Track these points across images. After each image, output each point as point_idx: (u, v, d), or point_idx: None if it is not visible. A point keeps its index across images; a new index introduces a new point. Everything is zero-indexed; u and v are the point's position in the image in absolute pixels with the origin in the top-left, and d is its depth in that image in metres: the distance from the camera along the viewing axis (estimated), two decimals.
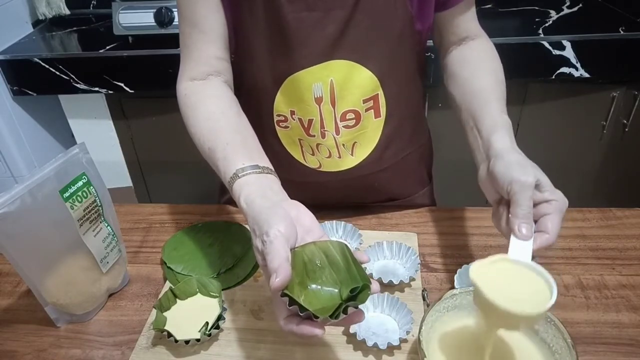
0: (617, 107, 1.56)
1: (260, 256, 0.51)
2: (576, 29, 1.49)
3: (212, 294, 0.69)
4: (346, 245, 0.51)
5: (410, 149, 0.85)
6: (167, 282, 0.73)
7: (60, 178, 0.61)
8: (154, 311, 0.66)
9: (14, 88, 1.54)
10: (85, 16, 1.83)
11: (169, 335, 0.62)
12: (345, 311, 0.46)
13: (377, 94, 0.74)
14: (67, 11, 1.77)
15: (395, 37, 0.71)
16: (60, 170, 0.61)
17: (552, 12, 1.64)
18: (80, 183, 0.63)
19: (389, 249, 0.75)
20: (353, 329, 0.62)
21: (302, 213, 0.54)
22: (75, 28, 1.75)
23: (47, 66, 1.50)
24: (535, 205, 0.56)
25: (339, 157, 0.77)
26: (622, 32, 1.45)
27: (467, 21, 0.76)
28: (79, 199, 0.63)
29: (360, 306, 0.47)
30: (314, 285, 0.50)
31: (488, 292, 0.48)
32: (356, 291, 0.48)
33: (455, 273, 0.69)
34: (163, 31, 1.50)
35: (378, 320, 0.66)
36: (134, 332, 0.66)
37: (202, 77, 0.71)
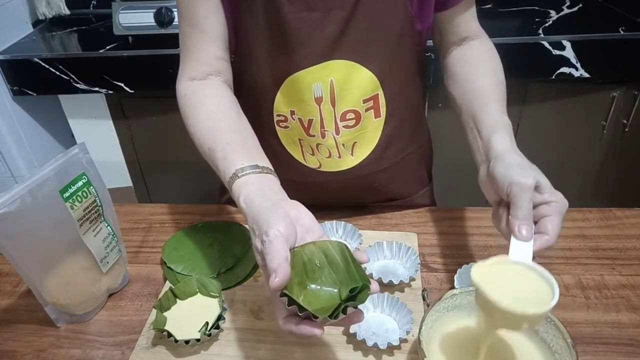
0: (617, 107, 1.56)
1: (259, 256, 0.51)
2: (576, 29, 1.49)
3: (212, 294, 0.69)
4: (345, 245, 0.51)
5: (410, 149, 0.85)
6: (167, 282, 0.73)
7: (60, 178, 0.61)
8: (154, 311, 0.66)
9: (14, 88, 1.54)
10: (85, 16, 1.83)
11: (169, 335, 0.62)
12: (344, 311, 0.46)
13: (377, 94, 0.74)
14: (67, 11, 1.77)
15: (395, 37, 0.71)
16: (60, 170, 0.61)
17: (552, 12, 1.64)
18: (80, 183, 0.63)
19: (389, 249, 0.75)
20: (353, 329, 0.62)
21: (301, 213, 0.54)
22: (75, 28, 1.75)
23: (47, 66, 1.50)
24: (535, 206, 0.56)
25: (339, 157, 0.77)
26: (622, 32, 1.45)
27: (467, 21, 0.76)
28: (79, 199, 0.63)
29: (359, 306, 0.47)
30: (313, 285, 0.50)
31: (490, 292, 0.48)
32: (355, 291, 0.48)
33: (455, 273, 0.69)
34: (163, 31, 1.50)
35: (378, 320, 0.66)
36: (134, 332, 0.66)
37: (202, 77, 0.71)
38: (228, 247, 0.77)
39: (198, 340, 0.61)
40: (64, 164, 0.62)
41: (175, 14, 1.46)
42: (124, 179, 1.77)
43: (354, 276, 0.49)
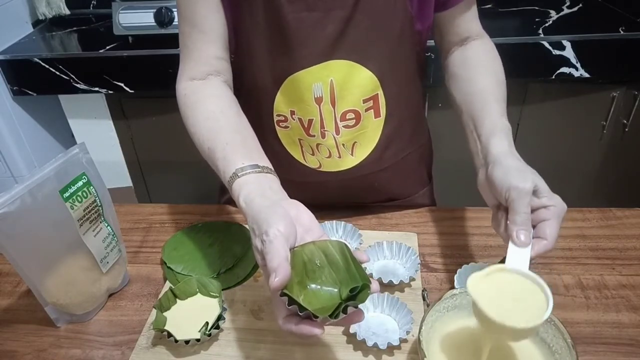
0: (617, 107, 1.56)
1: (259, 255, 0.51)
2: (576, 29, 1.49)
3: (212, 294, 0.69)
4: (345, 244, 0.51)
5: (410, 149, 0.85)
6: (167, 282, 0.73)
7: (60, 178, 0.61)
8: (154, 311, 0.66)
9: (14, 88, 1.54)
10: (85, 16, 1.83)
11: (169, 335, 0.62)
12: (344, 311, 0.46)
13: (377, 94, 0.74)
14: (67, 11, 1.77)
15: (395, 37, 0.71)
16: (60, 170, 0.61)
17: (552, 12, 1.64)
18: (80, 183, 0.63)
19: (389, 249, 0.75)
20: (353, 329, 0.62)
21: (301, 212, 0.54)
22: (75, 28, 1.75)
23: (47, 66, 1.50)
24: (533, 211, 0.56)
25: (339, 157, 0.77)
26: (622, 32, 1.45)
27: (468, 21, 0.76)
28: (79, 199, 0.63)
29: (360, 306, 0.47)
30: (313, 285, 0.50)
31: (485, 306, 0.49)
32: (356, 291, 0.48)
33: (455, 273, 0.69)
34: (163, 31, 1.50)
35: (378, 320, 0.66)
36: (134, 332, 0.66)
37: (202, 77, 0.71)
38: (228, 247, 0.77)
39: (198, 340, 0.61)
40: (64, 164, 0.62)
41: (175, 14, 1.47)
42: (124, 179, 1.77)
43: (354, 276, 0.49)
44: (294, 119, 0.75)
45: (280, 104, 0.75)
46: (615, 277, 0.72)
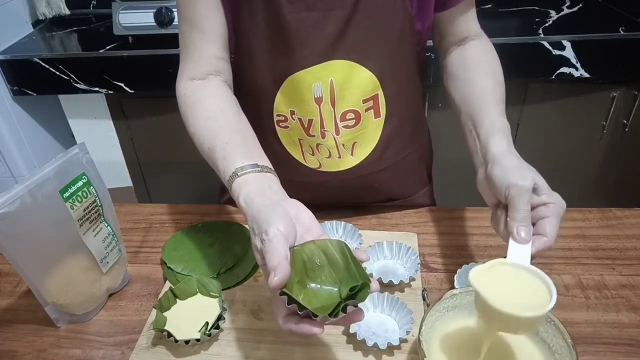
0: (617, 107, 1.56)
1: (259, 255, 0.51)
2: (576, 29, 1.49)
3: (212, 294, 0.69)
4: (345, 243, 0.51)
5: (410, 149, 0.85)
6: (167, 282, 0.73)
7: (60, 178, 0.61)
8: (154, 311, 0.66)
9: (14, 88, 1.54)
10: (85, 16, 1.83)
11: (169, 335, 0.62)
12: (344, 310, 0.46)
13: (377, 94, 0.74)
14: (67, 11, 1.77)
15: (395, 37, 0.71)
16: (60, 170, 0.61)
17: (552, 12, 1.64)
18: (80, 183, 0.63)
19: (389, 249, 0.75)
20: (353, 328, 0.62)
21: (301, 212, 0.54)
22: (75, 28, 1.75)
23: (47, 66, 1.50)
24: (533, 208, 0.56)
25: (339, 157, 0.77)
26: (622, 32, 1.45)
27: (467, 21, 0.76)
28: (79, 199, 0.63)
29: (360, 305, 0.47)
30: (313, 284, 0.50)
31: (489, 296, 0.49)
32: (355, 290, 0.48)
33: (455, 273, 0.69)
34: (163, 31, 1.50)
35: (378, 320, 0.66)
36: (134, 332, 0.66)
37: (202, 77, 0.71)
38: (228, 247, 0.77)
39: (198, 340, 0.61)
40: (64, 164, 0.62)
41: (175, 14, 1.47)
42: (124, 179, 1.77)
43: (353, 275, 0.49)
44: (294, 119, 0.75)
45: (280, 104, 0.75)
46: (615, 277, 0.72)
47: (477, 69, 0.74)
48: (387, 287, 0.69)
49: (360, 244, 0.77)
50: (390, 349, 0.61)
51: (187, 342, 0.61)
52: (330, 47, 0.69)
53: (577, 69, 1.46)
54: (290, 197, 0.57)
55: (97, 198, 0.66)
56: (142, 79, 1.53)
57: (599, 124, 1.61)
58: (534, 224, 0.56)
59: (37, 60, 1.49)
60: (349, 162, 0.78)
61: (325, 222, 0.80)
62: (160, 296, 0.68)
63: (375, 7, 0.68)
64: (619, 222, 0.82)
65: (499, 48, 0.77)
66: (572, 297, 0.69)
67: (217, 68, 0.71)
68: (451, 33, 0.77)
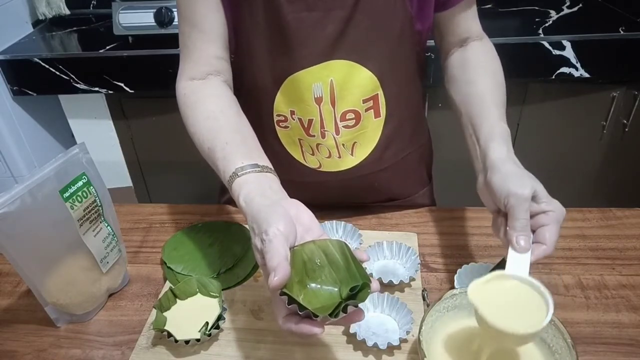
0: (617, 107, 1.56)
1: (259, 255, 0.51)
2: (576, 29, 1.49)
3: (212, 294, 0.69)
4: (345, 243, 0.51)
5: (410, 149, 0.85)
6: (167, 282, 0.73)
7: (60, 178, 0.61)
8: (154, 311, 0.66)
9: (14, 88, 1.54)
10: (85, 16, 1.83)
11: (169, 335, 0.62)
12: (344, 310, 0.46)
13: (377, 94, 0.74)
14: (67, 11, 1.77)
15: (395, 37, 0.71)
16: (60, 170, 0.61)
17: (552, 12, 1.64)
18: (80, 183, 0.63)
19: (389, 249, 0.75)
20: (353, 328, 0.62)
21: (301, 212, 0.54)
22: (75, 28, 1.75)
23: (47, 66, 1.50)
24: (532, 216, 0.56)
25: (339, 157, 0.77)
26: (622, 32, 1.45)
27: (468, 21, 0.76)
28: (79, 199, 0.63)
29: (360, 305, 0.47)
30: (313, 284, 0.50)
31: (486, 313, 0.50)
32: (356, 290, 0.48)
33: (455, 273, 0.69)
34: (163, 31, 1.50)
35: (378, 320, 0.66)
36: (134, 332, 0.66)
37: (202, 77, 0.71)
38: (228, 247, 0.77)
39: (198, 340, 0.61)
40: (64, 164, 0.62)
41: (175, 14, 1.46)
42: (124, 179, 1.77)
43: (354, 275, 0.49)
44: (294, 119, 0.75)
45: (280, 104, 0.75)
46: (615, 277, 0.72)
47: (477, 70, 0.74)
48: (387, 287, 0.69)
49: (360, 244, 0.77)
50: (390, 349, 0.61)
51: (187, 342, 0.61)
52: (330, 47, 0.69)
53: (577, 69, 1.46)
54: (291, 197, 0.57)
55: (97, 198, 0.66)
56: (142, 79, 1.53)
57: (599, 124, 1.61)
58: (533, 232, 0.56)
59: (37, 60, 1.49)
60: (349, 162, 0.78)
61: (325, 222, 0.80)
62: (160, 296, 0.68)
63: (375, 7, 0.68)
64: (619, 222, 0.82)
65: (499, 48, 0.77)
66: (572, 297, 0.69)
67: (217, 68, 0.71)
68: (452, 33, 0.77)
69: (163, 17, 1.49)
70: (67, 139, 1.77)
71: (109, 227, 0.69)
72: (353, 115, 0.74)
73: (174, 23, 1.50)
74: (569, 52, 1.44)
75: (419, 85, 0.82)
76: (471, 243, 0.79)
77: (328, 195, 0.83)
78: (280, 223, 0.50)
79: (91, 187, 0.65)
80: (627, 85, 1.53)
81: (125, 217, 0.87)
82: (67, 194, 0.61)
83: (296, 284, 0.49)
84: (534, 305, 0.51)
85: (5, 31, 1.59)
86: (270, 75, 0.73)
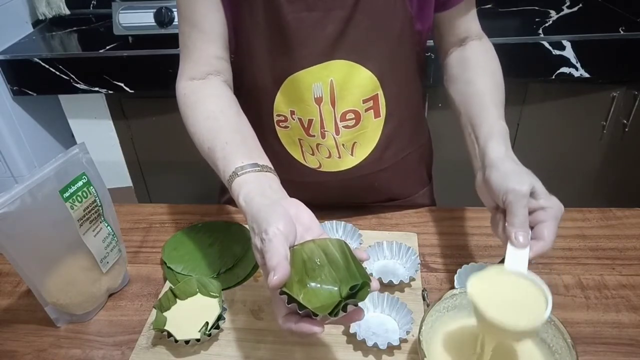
0: (617, 107, 1.56)
1: (259, 254, 0.51)
2: (576, 29, 1.49)
3: (212, 294, 0.69)
4: (345, 243, 0.51)
5: (410, 149, 0.85)
6: (167, 282, 0.73)
7: (60, 178, 0.61)
8: (154, 311, 0.66)
9: (14, 88, 1.54)
10: (85, 16, 1.83)
11: (169, 335, 0.62)
12: (344, 309, 0.46)
13: (377, 94, 0.74)
14: (67, 11, 1.77)
15: (395, 37, 0.71)
16: (60, 170, 0.61)
17: (552, 12, 1.64)
18: (80, 183, 0.63)
19: (389, 249, 0.75)
20: (353, 328, 0.62)
21: (301, 211, 0.54)
22: (75, 28, 1.75)
23: (47, 66, 1.50)
24: (530, 212, 0.56)
25: (339, 157, 0.77)
26: (622, 32, 1.45)
27: (467, 22, 0.76)
28: (79, 199, 0.63)
29: (360, 305, 0.47)
30: (313, 284, 0.50)
31: (486, 309, 0.50)
32: (356, 289, 0.48)
33: (455, 273, 0.69)
34: (163, 31, 1.50)
35: (378, 320, 0.66)
36: (134, 332, 0.66)
37: (202, 77, 0.71)
38: (228, 247, 0.77)
39: (198, 340, 0.61)
40: (64, 164, 0.62)
41: (175, 14, 1.46)
42: (124, 179, 1.77)
43: (354, 274, 0.49)
44: (294, 119, 0.75)
45: (280, 104, 0.75)
46: (615, 277, 0.72)
47: (476, 70, 0.74)
48: (387, 287, 0.69)
49: (360, 244, 0.77)
50: (390, 349, 0.61)
51: (187, 342, 0.61)
52: (330, 47, 0.69)
53: (577, 69, 1.46)
54: (291, 197, 0.57)
55: (97, 198, 0.66)
56: (142, 79, 1.53)
57: (599, 124, 1.61)
58: (532, 228, 0.56)
59: (37, 60, 1.49)
60: (349, 162, 0.78)
61: (325, 222, 0.80)
62: (160, 296, 0.68)
63: (375, 7, 0.68)
64: (619, 222, 0.82)
65: (499, 48, 0.77)
66: (572, 297, 0.69)
67: (217, 68, 0.71)
68: (451, 33, 0.77)
69: (163, 17, 1.49)
70: (67, 139, 1.77)
71: (109, 227, 0.69)
72: (353, 116, 0.74)
73: (174, 23, 1.50)
74: (569, 52, 1.44)
75: (419, 85, 0.82)
76: (471, 243, 0.79)
77: (328, 195, 0.83)
78: (280, 222, 0.50)
79: (91, 187, 0.65)
80: (627, 85, 1.53)
81: (125, 217, 0.87)
82: (67, 194, 0.61)
83: (296, 283, 0.49)
84: (533, 301, 0.50)
85: (5, 31, 1.59)
86: (270, 75, 0.73)
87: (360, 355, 0.61)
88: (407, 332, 0.61)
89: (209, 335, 0.63)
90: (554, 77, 1.48)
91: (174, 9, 1.48)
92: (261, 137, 0.67)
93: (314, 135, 0.75)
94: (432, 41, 0.82)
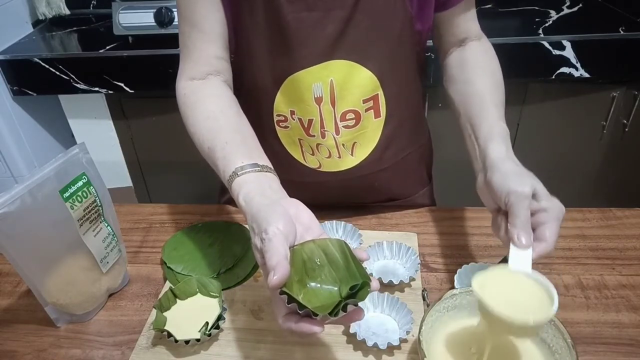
0: (617, 107, 1.56)
1: (259, 254, 0.51)
2: (576, 29, 1.49)
3: (212, 294, 0.69)
4: (345, 242, 0.51)
5: (410, 149, 0.85)
6: (167, 282, 0.73)
7: (60, 178, 0.61)
8: (154, 311, 0.66)
9: (14, 88, 1.54)
10: (85, 16, 1.83)
11: (169, 335, 0.62)
12: (344, 309, 0.46)
13: (377, 94, 0.74)
14: (67, 11, 1.77)
15: (395, 37, 0.71)
16: (60, 170, 0.61)
17: (552, 12, 1.64)
18: (80, 183, 0.63)
19: (389, 249, 0.75)
20: (353, 328, 0.62)
21: (301, 211, 0.54)
22: (75, 28, 1.75)
23: (47, 66, 1.50)
24: (532, 214, 0.56)
25: (339, 157, 0.77)
26: (622, 32, 1.45)
27: (467, 22, 0.76)
28: (79, 199, 0.63)
29: (360, 305, 0.47)
30: (313, 284, 0.50)
31: (491, 303, 0.49)
32: (356, 289, 0.48)
33: (455, 273, 0.69)
34: (163, 31, 1.50)
35: (378, 320, 0.66)
36: (134, 332, 0.66)
37: (202, 77, 0.71)
38: (228, 247, 0.77)
39: (198, 340, 0.61)
40: (64, 164, 0.62)
41: (175, 14, 1.46)
42: (124, 179, 1.77)
43: (354, 274, 0.49)
44: (294, 119, 0.75)
45: (280, 104, 0.75)
46: (615, 277, 0.72)
47: (476, 70, 0.74)
48: (387, 287, 0.69)
49: (360, 244, 0.77)
50: (390, 349, 0.61)
51: (187, 342, 0.61)
52: (330, 47, 0.69)
53: (577, 69, 1.46)
54: (291, 197, 0.57)
55: (97, 198, 0.66)
56: (142, 79, 1.53)
57: (599, 124, 1.61)
58: (533, 230, 0.56)
59: (37, 60, 1.49)
60: (349, 162, 0.78)
61: (325, 222, 0.80)
62: (160, 296, 0.68)
63: (375, 7, 0.68)
64: (619, 222, 0.82)
65: (499, 48, 0.77)
66: (572, 297, 0.69)
67: (217, 68, 0.71)
68: (451, 33, 0.77)
69: (163, 17, 1.49)
70: (67, 139, 1.77)
71: (109, 227, 0.69)
72: (353, 116, 0.74)
73: (174, 23, 1.50)
74: (569, 52, 1.44)
75: (419, 85, 0.82)
76: (471, 243, 0.79)
77: (328, 195, 0.83)
78: (280, 222, 0.50)
79: (91, 187, 0.65)
80: (627, 85, 1.53)
81: (125, 217, 0.87)
82: (67, 194, 0.61)
83: (296, 283, 0.49)
84: (538, 297, 0.50)
85: (5, 31, 1.59)
86: (270, 75, 0.73)
87: (360, 355, 0.61)
88: (407, 332, 0.61)
89: (209, 335, 0.63)
90: (554, 77, 1.48)
91: (174, 9, 1.48)
92: (261, 137, 0.67)
93: (314, 135, 0.75)
94: (432, 41, 0.82)
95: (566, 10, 1.66)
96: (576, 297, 0.69)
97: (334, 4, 0.67)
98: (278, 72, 0.72)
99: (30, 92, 1.55)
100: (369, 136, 0.77)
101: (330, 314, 0.46)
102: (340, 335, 0.64)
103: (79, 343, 0.66)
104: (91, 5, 1.86)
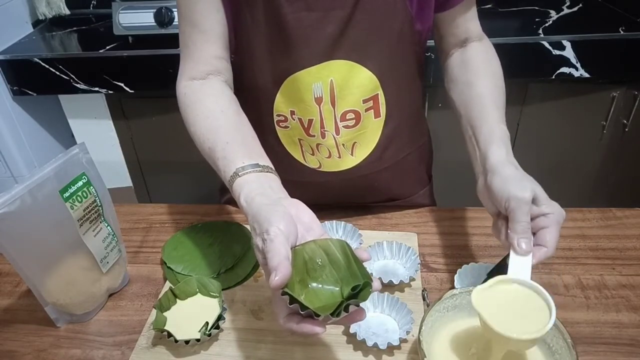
0: (617, 107, 1.56)
1: (260, 254, 0.51)
2: (576, 29, 1.49)
3: (212, 294, 0.69)
4: (347, 243, 0.51)
5: (410, 149, 0.85)
6: (167, 282, 0.73)
7: (60, 178, 0.61)
8: (154, 311, 0.66)
9: (14, 88, 1.54)
10: (85, 16, 1.83)
11: (169, 335, 0.62)
12: (346, 309, 0.46)
13: (377, 94, 0.74)
14: (67, 11, 1.77)
15: (395, 37, 0.71)
16: (60, 170, 0.61)
17: (552, 12, 1.64)
18: (80, 183, 0.63)
19: (389, 249, 0.75)
20: (353, 328, 0.62)
21: (302, 211, 0.54)
22: (75, 28, 1.75)
23: (47, 66, 1.50)
24: (532, 219, 0.57)
25: (339, 157, 0.77)
26: (622, 32, 1.45)
27: (468, 22, 0.76)
28: (79, 199, 0.63)
29: (360, 305, 0.47)
30: (314, 284, 0.50)
31: (490, 319, 0.50)
32: (357, 289, 0.48)
33: (455, 273, 0.69)
34: (163, 31, 1.50)
35: (378, 320, 0.66)
36: (134, 332, 0.66)
37: (202, 77, 0.71)
38: (228, 247, 0.77)
39: (198, 340, 0.61)
40: (64, 164, 0.62)
41: (175, 14, 1.46)
42: (124, 179, 1.77)
43: (355, 274, 0.49)
44: (294, 119, 0.75)
45: (280, 104, 0.75)
46: (615, 277, 0.72)
47: (477, 71, 0.74)
48: (387, 287, 0.69)
49: (361, 244, 0.77)
50: (390, 349, 0.61)
51: (187, 342, 0.61)
52: (330, 47, 0.69)
53: (577, 69, 1.46)
54: (291, 197, 0.57)
55: (97, 198, 0.66)
56: (142, 79, 1.53)
57: (599, 124, 1.61)
58: (534, 234, 0.56)
59: (37, 60, 1.49)
60: (349, 162, 0.78)
61: (326, 222, 0.80)
62: (160, 296, 0.68)
63: (375, 7, 0.68)
64: (619, 222, 0.82)
65: (499, 48, 0.77)
66: (572, 297, 0.69)
67: (217, 68, 0.71)
68: (451, 34, 0.77)
69: (163, 17, 1.48)
70: (67, 139, 1.77)
71: (109, 227, 0.69)
72: (353, 115, 0.74)
73: (174, 23, 1.50)
74: (569, 52, 1.44)
75: (418, 85, 0.82)
76: (471, 243, 0.79)
77: (328, 195, 0.83)
78: (281, 222, 0.50)
79: (91, 187, 0.65)
80: (627, 85, 1.53)
81: (125, 217, 0.87)
82: (67, 194, 0.61)
83: (297, 283, 0.49)
84: (537, 309, 0.51)
85: (5, 31, 1.59)
86: (270, 75, 0.73)
87: (360, 355, 0.61)
88: (407, 332, 0.61)
89: (209, 335, 0.63)
90: (554, 77, 1.48)
91: (174, 9, 1.48)
92: (261, 137, 0.67)
93: (314, 135, 0.75)
94: (432, 41, 0.82)
95: (566, 10, 1.66)
96: (576, 297, 0.69)
97: (334, 3, 0.67)
98: (278, 72, 0.72)
99: (30, 92, 1.55)
100: (369, 136, 0.77)
101: (332, 314, 0.46)
102: (340, 335, 0.64)
103: (79, 343, 0.66)
104: (91, 5, 1.85)
